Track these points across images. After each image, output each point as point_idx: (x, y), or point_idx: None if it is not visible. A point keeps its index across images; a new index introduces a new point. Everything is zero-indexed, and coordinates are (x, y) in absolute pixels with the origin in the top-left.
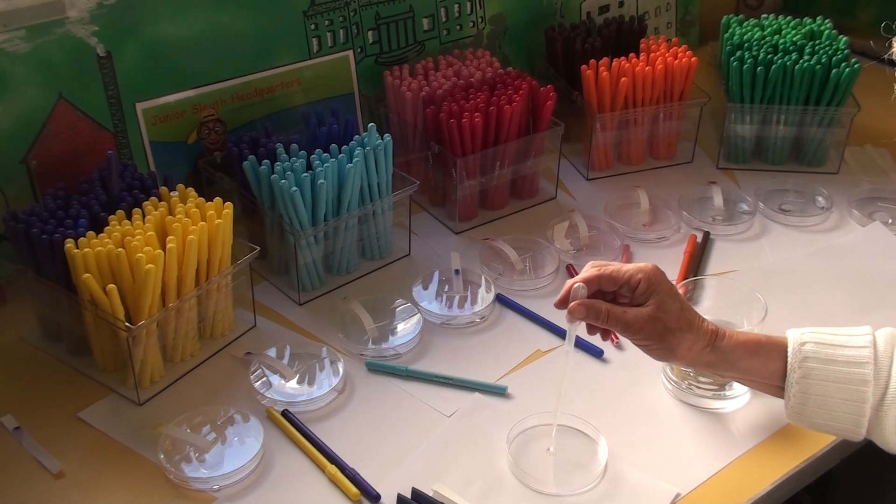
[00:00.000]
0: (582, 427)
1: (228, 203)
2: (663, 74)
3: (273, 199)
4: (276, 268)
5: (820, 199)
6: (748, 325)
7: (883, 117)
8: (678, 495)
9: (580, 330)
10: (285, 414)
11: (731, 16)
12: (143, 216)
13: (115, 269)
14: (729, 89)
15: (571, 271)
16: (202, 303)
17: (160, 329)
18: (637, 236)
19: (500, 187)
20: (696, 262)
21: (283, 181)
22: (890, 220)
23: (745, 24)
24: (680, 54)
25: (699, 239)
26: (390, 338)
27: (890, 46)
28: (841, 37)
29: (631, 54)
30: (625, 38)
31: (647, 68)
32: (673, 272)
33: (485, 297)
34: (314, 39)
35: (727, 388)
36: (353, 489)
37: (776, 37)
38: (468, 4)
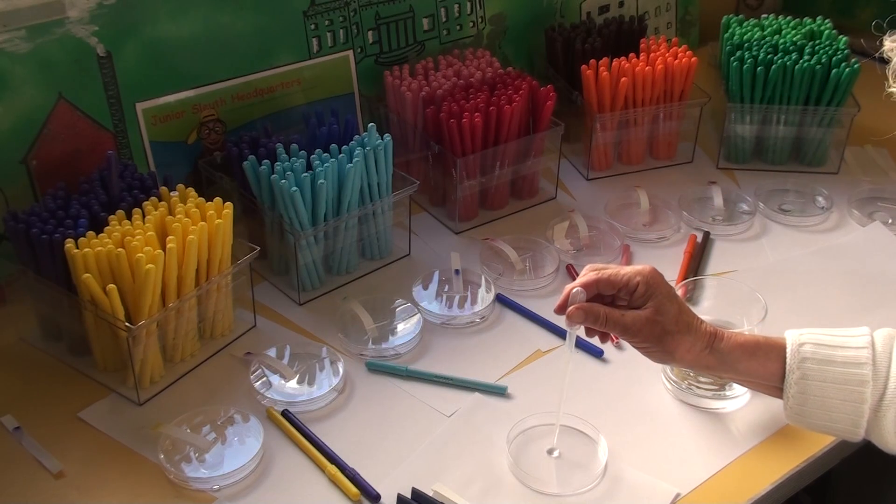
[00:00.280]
0: (582, 427)
1: (228, 203)
2: (663, 74)
3: (273, 199)
4: (276, 268)
5: (820, 199)
6: (748, 325)
7: (883, 117)
8: (678, 495)
9: (580, 332)
10: (285, 414)
11: (731, 16)
12: (143, 216)
13: (115, 269)
14: (729, 89)
15: (571, 271)
16: (202, 303)
17: (160, 329)
18: (637, 236)
19: (500, 187)
20: (696, 262)
21: (283, 181)
22: (890, 220)
23: (745, 24)
24: (680, 54)
25: (699, 239)
26: (390, 338)
27: (881, 44)
28: (841, 37)
29: (631, 54)
30: (625, 38)
31: (647, 68)
32: (673, 272)
33: (485, 297)
34: (314, 39)
35: (727, 388)
36: (353, 489)
37: (776, 37)
38: (468, 4)
